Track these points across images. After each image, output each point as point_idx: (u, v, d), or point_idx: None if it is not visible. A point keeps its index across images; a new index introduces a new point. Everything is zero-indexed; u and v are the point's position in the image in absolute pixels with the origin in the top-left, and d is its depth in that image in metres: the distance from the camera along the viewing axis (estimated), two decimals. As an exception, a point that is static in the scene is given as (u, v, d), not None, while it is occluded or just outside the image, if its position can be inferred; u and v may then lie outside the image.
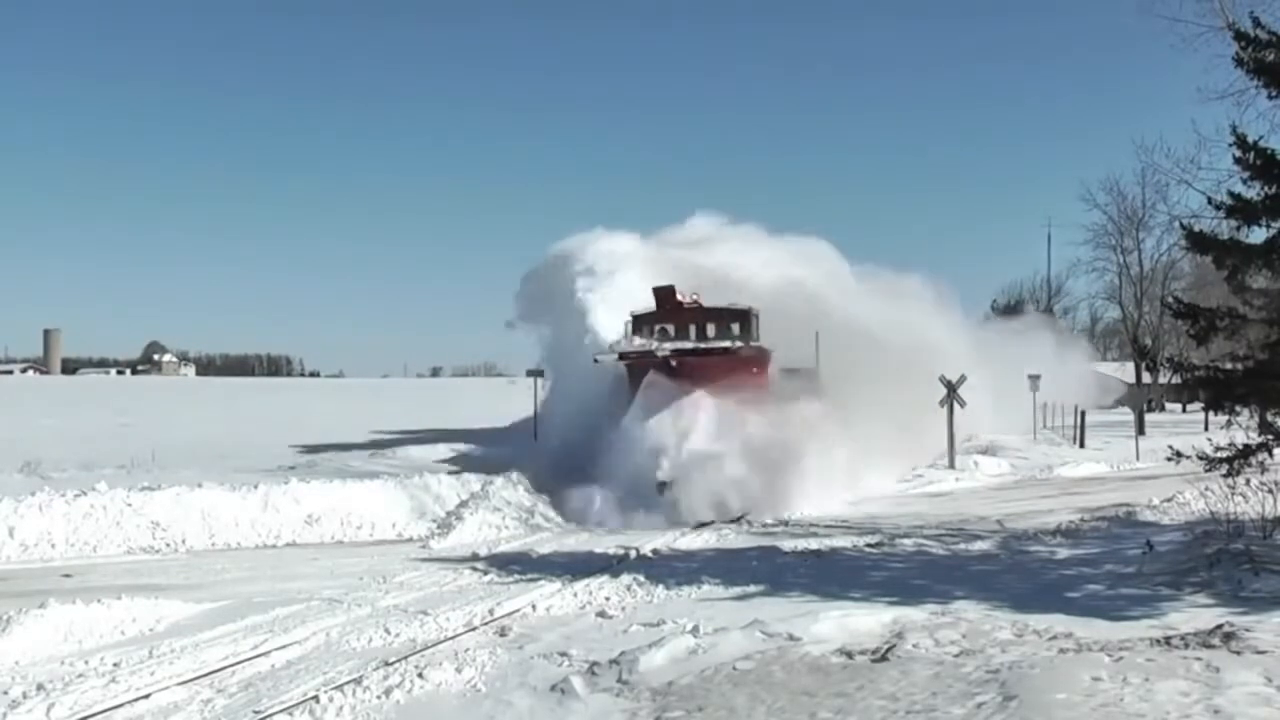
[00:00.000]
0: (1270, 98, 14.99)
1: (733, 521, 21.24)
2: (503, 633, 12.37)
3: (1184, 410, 59.00)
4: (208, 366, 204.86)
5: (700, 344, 23.69)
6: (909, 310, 35.15)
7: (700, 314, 25.25)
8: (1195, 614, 11.74)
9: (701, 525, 20.85)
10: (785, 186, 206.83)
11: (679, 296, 24.36)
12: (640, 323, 24.88)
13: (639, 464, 22.41)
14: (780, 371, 25.15)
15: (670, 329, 24.76)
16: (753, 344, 24.54)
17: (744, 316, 25.26)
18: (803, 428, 23.14)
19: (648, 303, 25.15)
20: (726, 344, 23.42)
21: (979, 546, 17.63)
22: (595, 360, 23.64)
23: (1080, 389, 42.89)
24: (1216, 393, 15.66)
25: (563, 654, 11.07)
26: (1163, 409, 60.91)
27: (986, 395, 38.19)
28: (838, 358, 27.00)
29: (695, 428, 22.46)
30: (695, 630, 11.40)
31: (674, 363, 22.84)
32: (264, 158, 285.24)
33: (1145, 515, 19.98)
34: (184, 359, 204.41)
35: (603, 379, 25.13)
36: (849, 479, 24.27)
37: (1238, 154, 14.51)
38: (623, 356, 23.39)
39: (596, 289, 29.16)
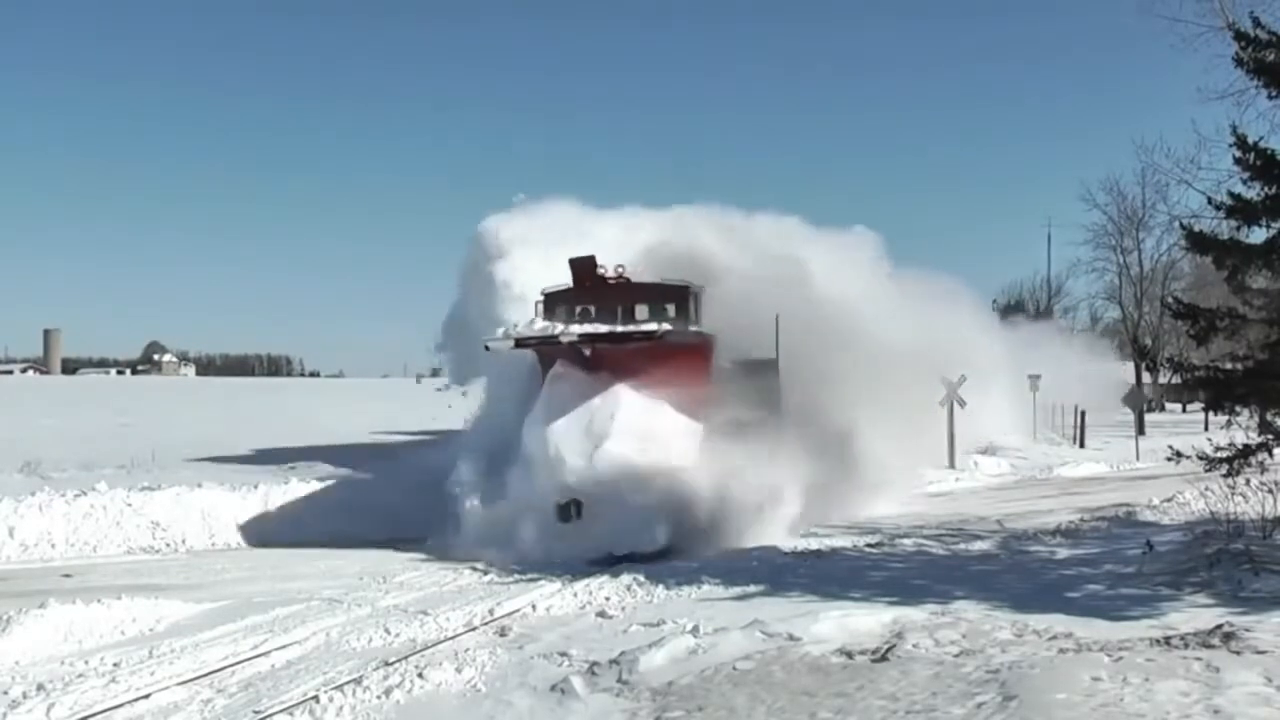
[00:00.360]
0: (1270, 98, 15.00)
1: (658, 555, 17.09)
2: (503, 633, 12.37)
3: (1184, 410, 59.04)
4: (208, 366, 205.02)
5: (620, 327, 18.61)
6: (938, 311, 32.64)
7: (628, 291, 20.09)
8: (1195, 614, 11.74)
9: (618, 561, 16.67)
10: (785, 186, 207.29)
11: (600, 269, 19.70)
12: (554, 302, 19.93)
13: (537, 480, 17.73)
14: (729, 364, 20.67)
15: (592, 310, 19.75)
16: (691, 328, 19.77)
17: (681, 295, 20.22)
18: (752, 430, 18.60)
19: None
20: (652, 327, 18.24)
21: (979, 546, 17.65)
22: (486, 348, 18.78)
23: (1109, 393, 42.84)
24: (1216, 393, 15.67)
25: (563, 654, 11.07)
26: (1163, 409, 60.97)
27: (1010, 398, 38.21)
28: (827, 353, 22.72)
29: (612, 432, 17.70)
30: (695, 630, 11.40)
31: (587, 351, 18.16)
32: (264, 158, 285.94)
33: (1145, 515, 20.00)
34: (184, 359, 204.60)
35: (515, 375, 20.71)
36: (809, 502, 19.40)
37: (1238, 154, 14.53)
38: (520, 342, 18.35)
39: (513, 252, 24.37)
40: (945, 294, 35.96)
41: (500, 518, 17.75)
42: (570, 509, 17.31)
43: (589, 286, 19.83)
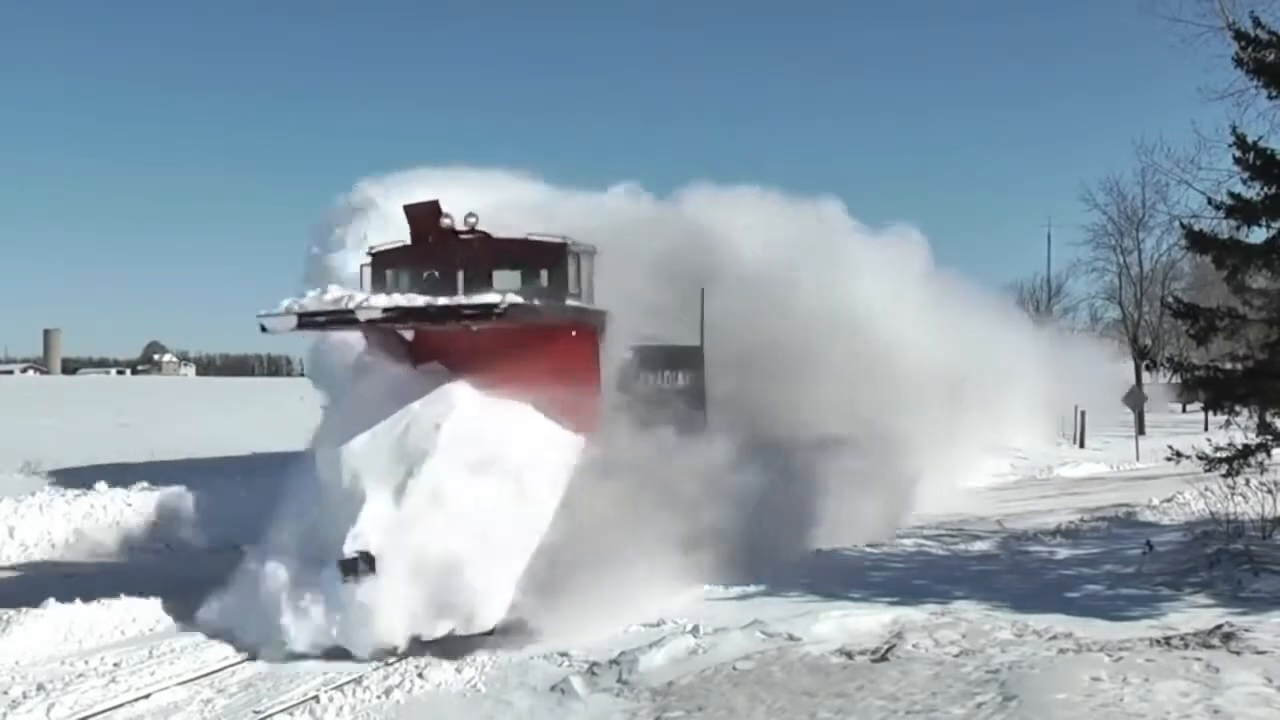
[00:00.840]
0: (1270, 98, 15.03)
1: (487, 634, 11.67)
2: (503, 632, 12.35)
3: (1184, 410, 59.00)
4: (208, 366, 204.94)
5: (445, 299, 12.78)
6: (973, 316, 31.08)
7: (485, 251, 14.17)
8: (1195, 614, 11.77)
9: (427, 647, 11.49)
10: (785, 187, 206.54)
11: (446, 219, 14.01)
12: (385, 264, 14.49)
13: (317, 523, 12.48)
14: (633, 352, 14.74)
15: (437, 274, 14.31)
16: (571, 302, 14.00)
17: (556, 256, 14.26)
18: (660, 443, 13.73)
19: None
20: (491, 299, 12.52)
21: (979, 546, 17.65)
22: (263, 328, 13.05)
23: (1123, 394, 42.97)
24: (1216, 393, 15.68)
25: (563, 654, 11.06)
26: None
27: (1043, 401, 38.09)
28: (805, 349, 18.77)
29: (435, 451, 12.36)
30: (695, 630, 11.41)
31: (408, 334, 13.76)
32: (264, 158, 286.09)
33: (1145, 515, 20.01)
34: (184, 359, 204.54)
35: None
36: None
37: (1238, 154, 14.56)
38: (305, 320, 12.77)
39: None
40: (981, 296, 35.48)
41: (271, 579, 12.14)
42: (358, 565, 11.61)
43: (432, 243, 14.19)
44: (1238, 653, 9.73)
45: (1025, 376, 35.33)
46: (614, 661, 10.50)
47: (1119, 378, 45.21)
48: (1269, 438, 14.97)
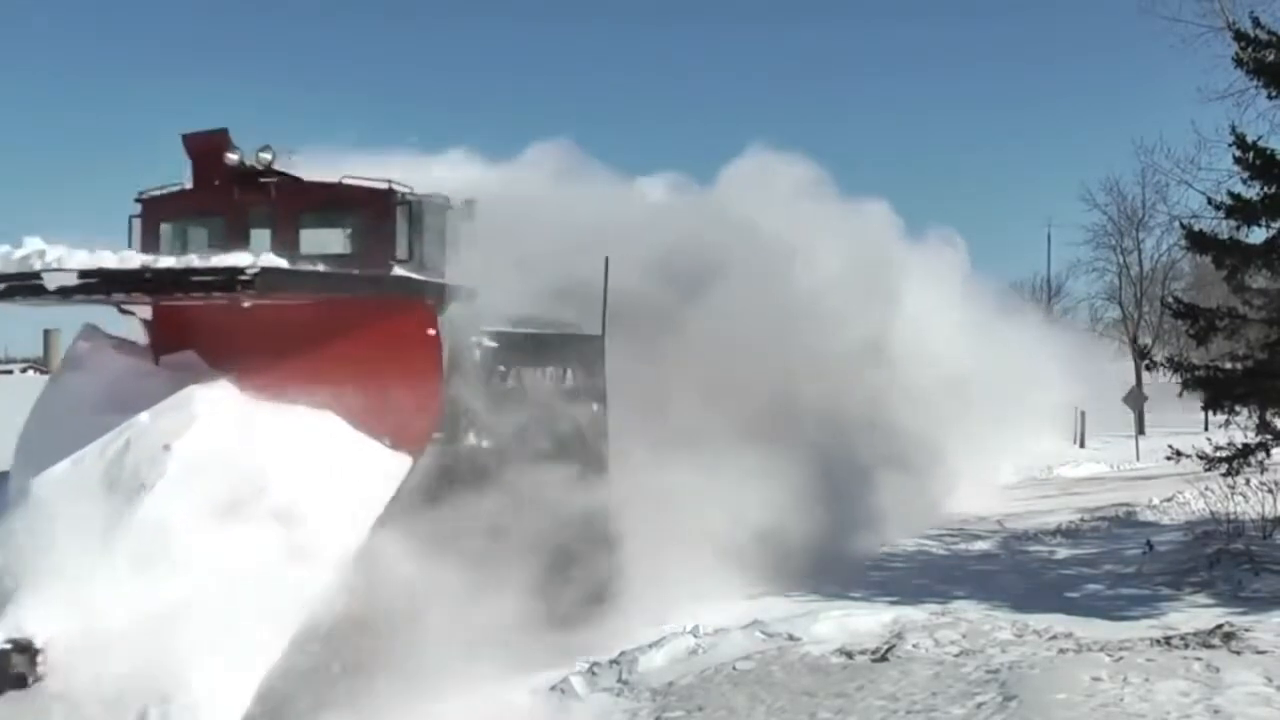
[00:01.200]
0: (1270, 98, 15.04)
1: None
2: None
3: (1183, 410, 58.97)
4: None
5: (173, 260, 8.93)
6: (992, 320, 30.02)
7: (287, 198, 10.42)
8: (1195, 614, 11.77)
9: None
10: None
11: (234, 156, 10.27)
12: (159, 214, 10.87)
13: None
14: (493, 340, 10.99)
15: (222, 225, 10.56)
16: (398, 270, 10.16)
17: (378, 207, 10.27)
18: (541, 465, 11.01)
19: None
20: (239, 260, 8.54)
21: (979, 546, 17.65)
22: None
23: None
24: (1216, 393, 15.67)
25: (563, 654, 11.05)
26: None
27: (1064, 405, 38.16)
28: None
29: (157, 487, 8.53)
30: (695, 630, 11.40)
31: (145, 313, 10.29)
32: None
33: (1145, 515, 19.98)
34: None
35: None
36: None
37: (1238, 154, 14.56)
38: None
39: None
40: (1002, 298, 35.34)
41: None
42: (9, 663, 7.72)
43: (220, 186, 10.49)
44: (1238, 652, 9.73)
45: (1046, 379, 35.43)
46: (614, 661, 10.49)
47: (1121, 378, 45.37)
48: (1269, 437, 14.98)
